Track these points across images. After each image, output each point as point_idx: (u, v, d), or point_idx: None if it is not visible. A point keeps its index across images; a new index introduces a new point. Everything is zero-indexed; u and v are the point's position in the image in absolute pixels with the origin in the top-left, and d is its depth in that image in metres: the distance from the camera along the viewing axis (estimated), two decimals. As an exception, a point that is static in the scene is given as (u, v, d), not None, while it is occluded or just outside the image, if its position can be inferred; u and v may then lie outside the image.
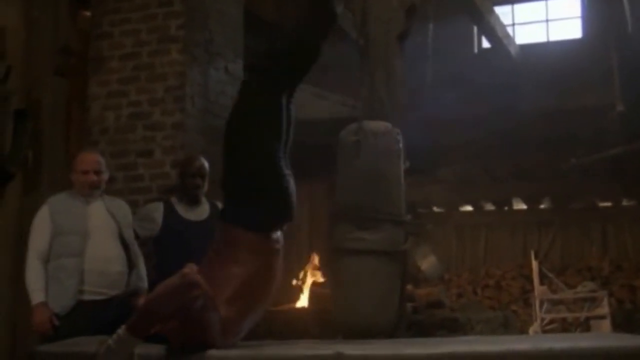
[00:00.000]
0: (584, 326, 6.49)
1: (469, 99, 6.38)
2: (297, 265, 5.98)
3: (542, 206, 7.87)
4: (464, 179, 7.30)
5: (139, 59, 4.18)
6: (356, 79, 3.89)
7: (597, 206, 7.66)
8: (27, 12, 4.20)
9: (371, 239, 3.14)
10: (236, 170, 2.30)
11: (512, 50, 6.67)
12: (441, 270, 7.10)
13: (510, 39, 6.76)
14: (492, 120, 6.43)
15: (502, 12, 7.11)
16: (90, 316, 3.01)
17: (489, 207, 7.99)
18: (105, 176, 3.31)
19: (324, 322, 4.12)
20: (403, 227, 3.26)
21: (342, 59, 4.78)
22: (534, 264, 6.94)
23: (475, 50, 7.76)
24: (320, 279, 5.52)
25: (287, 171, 2.34)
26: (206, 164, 3.46)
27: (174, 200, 3.47)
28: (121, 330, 2.08)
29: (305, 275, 5.66)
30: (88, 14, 4.37)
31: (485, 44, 7.30)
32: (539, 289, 6.75)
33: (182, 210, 3.42)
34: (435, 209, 8.01)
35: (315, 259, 5.76)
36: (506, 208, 7.97)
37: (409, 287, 4.62)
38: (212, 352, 2.11)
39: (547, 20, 7.92)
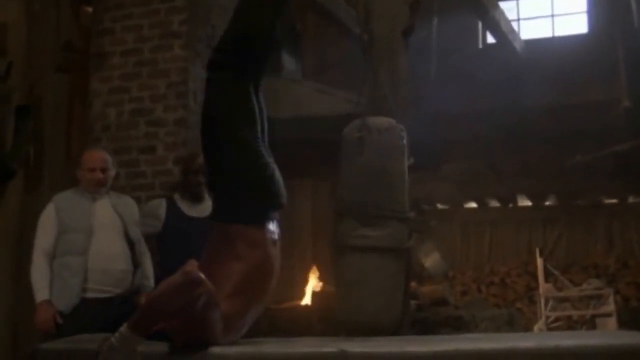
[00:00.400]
0: (590, 324, 6.46)
1: (474, 94, 6.34)
2: (300, 263, 5.96)
3: (547, 203, 7.84)
4: (468, 176, 7.27)
5: (141, 55, 4.18)
6: (360, 75, 3.86)
7: (602, 203, 7.64)
8: (29, 7, 4.19)
9: (375, 236, 3.13)
10: (220, 168, 2.29)
11: (517, 46, 6.62)
12: (445, 267, 7.09)
13: (515, 34, 6.72)
14: (496, 116, 6.40)
15: (507, 7, 7.06)
16: (93, 314, 3.01)
17: (494, 203, 7.97)
18: (112, 173, 3.31)
19: (327, 320, 4.11)
20: (407, 224, 3.25)
21: (345, 55, 4.76)
22: (539, 261, 6.92)
23: (480, 45, 7.71)
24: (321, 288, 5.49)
25: (270, 159, 2.32)
26: (208, 161, 3.44)
27: (176, 197, 3.46)
28: (124, 328, 2.06)
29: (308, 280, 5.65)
30: (90, 9, 4.36)
31: (490, 39, 7.25)
32: (544, 286, 6.73)
33: (184, 207, 3.41)
34: (439, 205, 7.99)
35: (316, 272, 5.73)
36: (511, 205, 7.94)
37: (413, 284, 4.61)
38: (215, 350, 2.10)
39: (552, 15, 7.87)
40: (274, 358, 2.10)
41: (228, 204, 2.27)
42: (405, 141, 3.29)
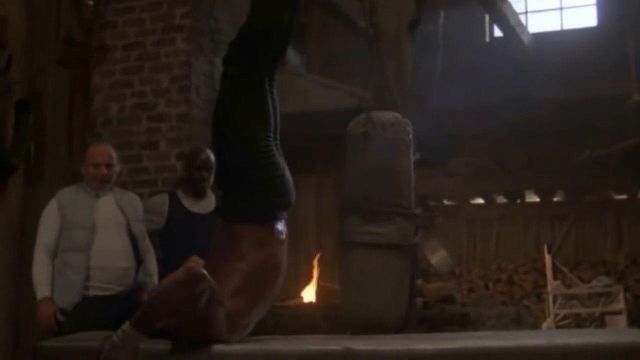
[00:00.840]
0: (599, 322, 6.40)
1: (481, 88, 6.27)
2: (305, 260, 5.93)
3: (555, 199, 7.79)
4: (475, 171, 7.23)
5: (143, 49, 4.17)
6: (365, 69, 3.82)
7: (612, 199, 7.58)
8: (29, 1, 4.17)
9: (380, 232, 3.12)
10: (230, 165, 2.26)
11: (525, 39, 6.54)
12: (452, 264, 7.06)
13: (523, 28, 6.65)
14: (504, 110, 6.32)
15: (515, 0, 6.98)
16: (95, 312, 2.99)
17: (501, 199, 7.92)
18: (117, 169, 3.29)
19: (332, 317, 4.08)
20: (413, 220, 3.24)
21: (350, 49, 4.71)
22: (547, 258, 6.86)
23: (487, 39, 7.64)
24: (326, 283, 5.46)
25: (281, 158, 2.29)
26: (212, 156, 3.42)
27: (179, 192, 3.45)
28: (126, 326, 2.04)
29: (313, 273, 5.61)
30: (91, 2, 4.35)
31: (497, 32, 7.18)
32: (552, 283, 6.67)
33: (188, 203, 3.39)
34: (445, 201, 7.94)
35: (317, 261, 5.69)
36: (519, 201, 7.89)
37: (419, 281, 4.59)
38: (218, 347, 2.07)
39: (561, 8, 7.80)
40: (278, 356, 2.07)
41: (235, 201, 2.25)
42: (410, 136, 3.28)
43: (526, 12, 7.83)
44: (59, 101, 4.21)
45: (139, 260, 3.21)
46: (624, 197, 7.55)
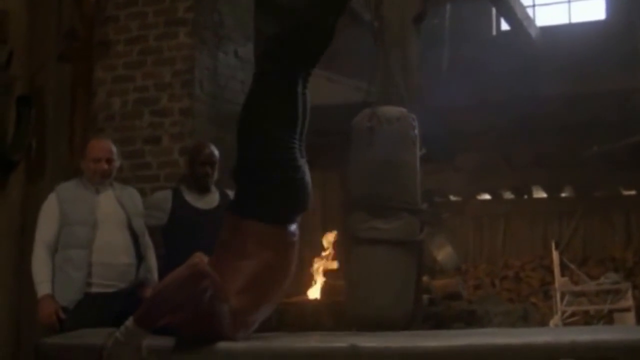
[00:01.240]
0: (607, 319, 6.36)
1: (487, 83, 6.24)
2: (310, 255, 5.91)
3: (563, 194, 7.74)
4: (482, 167, 7.20)
5: (145, 43, 4.13)
6: (370, 63, 3.78)
7: (620, 194, 7.53)
8: (30, -6, 4.12)
9: (386, 228, 3.10)
10: (250, 161, 2.23)
11: (533, 33, 6.50)
12: (458, 261, 7.02)
13: (531, 21, 6.61)
14: (511, 105, 6.28)
15: (522, -7, 6.92)
16: (97, 309, 2.96)
17: (508, 195, 7.88)
18: (117, 164, 3.27)
19: (337, 314, 4.06)
20: (419, 216, 3.22)
21: (355, 42, 4.66)
22: (555, 255, 6.82)
23: (494, 32, 7.60)
24: (334, 266, 5.44)
25: (303, 161, 2.26)
26: (216, 152, 3.40)
27: (183, 188, 3.42)
28: (129, 322, 2.03)
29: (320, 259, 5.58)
30: (93, -4, 4.29)
31: (505, 26, 7.13)
32: (559, 280, 6.63)
33: (191, 198, 3.36)
34: (452, 197, 7.91)
35: (330, 238, 5.64)
36: (526, 196, 7.84)
37: (425, 278, 4.56)
38: (222, 344, 2.05)
39: (569, 1, 7.75)
40: (282, 353, 2.05)
41: (250, 198, 2.22)
42: (416, 131, 3.27)
43: (534, 5, 7.78)
44: (60, 97, 4.19)
45: (140, 256, 3.18)
46: (632, 192, 7.49)
